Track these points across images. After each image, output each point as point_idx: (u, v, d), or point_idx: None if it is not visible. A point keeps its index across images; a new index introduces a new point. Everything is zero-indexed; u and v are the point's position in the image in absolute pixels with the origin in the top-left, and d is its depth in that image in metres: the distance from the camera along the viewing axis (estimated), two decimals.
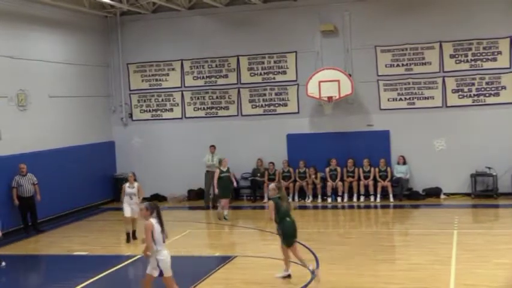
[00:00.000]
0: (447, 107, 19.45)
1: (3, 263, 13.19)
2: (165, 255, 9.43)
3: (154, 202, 10.18)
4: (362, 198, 19.49)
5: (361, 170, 19.69)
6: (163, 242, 9.49)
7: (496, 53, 19.02)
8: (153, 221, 9.41)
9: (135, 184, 15.22)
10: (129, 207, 14.93)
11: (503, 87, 19.00)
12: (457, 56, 19.32)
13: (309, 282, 10.95)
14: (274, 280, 11.33)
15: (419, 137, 19.58)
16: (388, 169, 19.54)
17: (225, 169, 17.48)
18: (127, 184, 15.23)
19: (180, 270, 13.30)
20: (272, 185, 11.45)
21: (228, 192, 17.70)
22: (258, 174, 20.45)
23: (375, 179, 19.48)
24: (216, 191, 17.62)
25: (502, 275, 11.14)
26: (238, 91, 21.06)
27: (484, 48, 19.07)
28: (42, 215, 17.23)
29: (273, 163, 20.32)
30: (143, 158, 21.56)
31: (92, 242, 15.48)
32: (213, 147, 19.96)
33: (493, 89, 19.09)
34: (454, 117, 19.34)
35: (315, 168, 19.86)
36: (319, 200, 19.76)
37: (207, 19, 21.15)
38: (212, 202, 19.63)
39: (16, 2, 17.36)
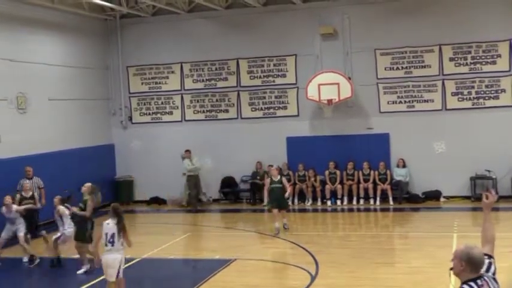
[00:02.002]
0: (447, 110, 19.46)
1: None
2: (104, 257, 9.74)
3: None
4: (362, 201, 19.48)
5: (360, 173, 19.69)
6: (110, 244, 9.62)
7: (495, 56, 19.04)
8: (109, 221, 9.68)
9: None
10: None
11: (503, 90, 19.00)
12: (456, 59, 19.32)
13: (309, 285, 10.95)
14: (273, 283, 11.32)
15: (419, 140, 19.58)
16: (388, 172, 19.53)
17: (276, 179, 15.83)
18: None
19: (180, 273, 13.34)
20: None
21: (283, 203, 15.98)
22: (258, 177, 20.44)
23: (374, 182, 19.47)
24: (265, 201, 16.69)
25: (502, 278, 11.13)
26: (238, 94, 21.07)
27: (484, 51, 19.09)
28: (41, 218, 17.16)
29: (272, 166, 20.29)
30: (143, 161, 21.55)
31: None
32: (188, 151, 20.00)
33: (492, 92, 19.10)
34: (453, 120, 19.34)
35: (314, 171, 19.86)
36: (319, 203, 19.75)
37: (207, 22, 21.16)
38: (194, 206, 19.79)
39: (16, 4, 17.37)
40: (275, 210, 15.79)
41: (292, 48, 20.44)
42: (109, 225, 9.67)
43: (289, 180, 20.02)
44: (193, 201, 19.95)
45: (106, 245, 9.65)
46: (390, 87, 19.81)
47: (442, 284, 10.82)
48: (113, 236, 9.59)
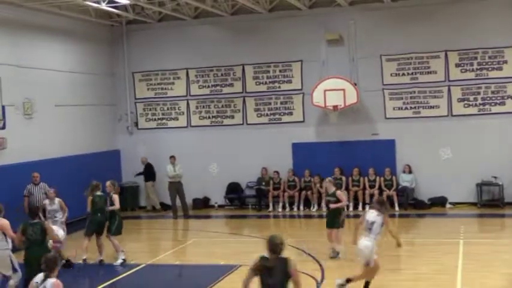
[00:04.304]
0: (453, 116, 19.42)
1: None
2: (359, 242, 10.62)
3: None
4: (367, 207, 19.41)
5: (366, 179, 19.66)
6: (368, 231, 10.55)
7: (501, 62, 19.00)
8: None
9: (56, 200, 14.14)
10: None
11: (509, 96, 18.96)
12: (462, 65, 19.29)
13: None
14: None
15: (424, 146, 19.54)
16: (394, 178, 19.49)
17: (330, 191, 14.09)
18: (47, 201, 14.20)
19: (185, 279, 13.34)
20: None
21: (333, 221, 13.90)
22: (263, 183, 20.43)
23: (380, 188, 19.43)
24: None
25: (509, 285, 11.09)
26: (244, 100, 21.08)
27: (490, 57, 19.06)
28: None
29: (277, 172, 20.31)
30: None
31: (95, 250, 15.44)
32: (173, 157, 19.96)
33: (498, 98, 19.05)
34: (459, 126, 19.29)
35: (320, 177, 19.83)
36: (324, 209, 19.70)
37: (213, 28, 21.20)
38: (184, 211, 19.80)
39: (22, 11, 17.42)
40: (328, 230, 13.99)
41: (298, 54, 20.45)
42: (372, 214, 10.53)
43: (294, 187, 20.04)
44: (174, 208, 19.90)
45: (365, 230, 10.51)
46: (396, 93, 19.79)
47: None
48: (372, 223, 10.38)
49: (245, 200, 21.01)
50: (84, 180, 19.46)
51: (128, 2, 18.25)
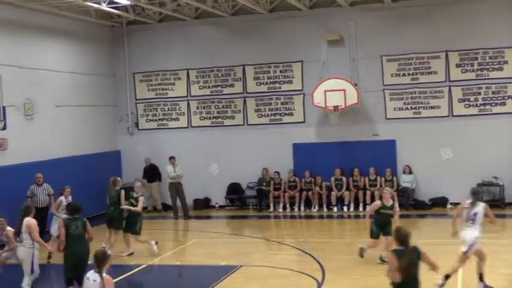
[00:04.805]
0: (453, 116, 19.42)
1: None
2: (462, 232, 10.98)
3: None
4: (368, 208, 19.40)
5: (366, 179, 19.66)
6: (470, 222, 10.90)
7: (502, 63, 19.01)
8: None
9: (70, 197, 14.45)
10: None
11: (510, 97, 18.96)
12: (463, 65, 19.30)
13: None
14: None
15: (425, 147, 19.55)
16: (394, 179, 19.49)
17: (389, 204, 13.17)
18: (63, 198, 14.47)
19: (186, 279, 13.34)
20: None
21: (390, 230, 12.53)
22: (264, 184, 20.43)
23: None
24: (367, 226, 13.41)
25: (509, 285, 11.08)
26: (244, 100, 21.09)
27: (490, 57, 19.06)
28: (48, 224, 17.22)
29: (278, 172, 20.31)
30: None
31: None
32: (173, 158, 19.99)
33: (499, 98, 19.05)
34: (460, 126, 19.30)
35: (320, 177, 19.84)
36: (325, 209, 19.72)
37: (213, 29, 21.21)
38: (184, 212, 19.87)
39: (23, 11, 17.43)
40: (381, 237, 13.07)
41: (298, 54, 20.46)
42: (477, 206, 10.85)
43: (295, 187, 20.06)
44: (175, 209, 19.92)
45: (467, 221, 10.90)
46: (396, 94, 19.79)
47: None
48: (475, 214, 10.76)
49: (246, 201, 21.01)
50: (85, 181, 19.58)
51: (129, 2, 18.27)
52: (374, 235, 13.02)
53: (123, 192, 14.91)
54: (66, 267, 10.56)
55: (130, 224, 14.61)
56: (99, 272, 7.47)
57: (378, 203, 13.36)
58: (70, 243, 10.58)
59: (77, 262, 10.33)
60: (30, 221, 10.98)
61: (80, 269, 10.09)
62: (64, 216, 12.49)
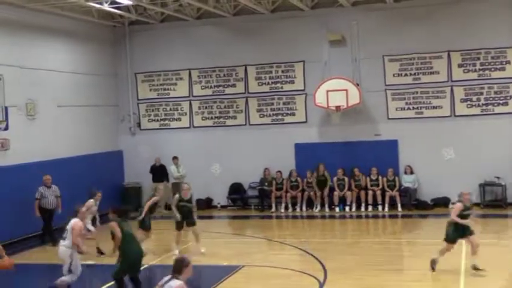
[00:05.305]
0: (455, 116, 19.41)
1: None
2: None
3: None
4: (370, 208, 19.43)
5: (368, 179, 19.65)
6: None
7: (504, 63, 18.99)
8: None
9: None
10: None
11: None
12: (465, 65, 19.28)
13: None
14: None
15: (427, 147, 19.53)
16: (397, 179, 19.48)
17: (469, 204, 12.24)
18: (92, 201, 14.74)
19: (187, 279, 13.31)
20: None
21: (468, 230, 11.95)
22: (266, 184, 20.43)
23: (382, 188, 19.42)
24: (450, 233, 12.06)
25: (509, 286, 11.07)
26: (246, 100, 21.09)
27: (492, 57, 19.04)
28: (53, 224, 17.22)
29: (280, 172, 20.30)
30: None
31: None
32: (176, 158, 20.00)
33: (501, 98, 19.04)
34: (462, 126, 19.28)
35: (323, 165, 19.82)
36: (327, 209, 19.72)
37: (215, 29, 21.21)
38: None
39: (25, 12, 17.45)
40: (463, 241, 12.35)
41: (300, 54, 20.46)
42: None
43: (297, 187, 20.04)
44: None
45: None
46: (398, 94, 19.79)
47: None
48: None
49: (248, 201, 21.01)
50: (87, 181, 19.54)
51: (131, 2, 18.28)
52: (450, 239, 11.92)
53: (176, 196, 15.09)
54: (122, 267, 10.79)
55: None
56: (176, 278, 7.22)
57: (459, 205, 11.91)
58: (125, 244, 10.77)
59: (135, 263, 10.75)
60: (77, 224, 11.24)
61: (137, 268, 10.71)
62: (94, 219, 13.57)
